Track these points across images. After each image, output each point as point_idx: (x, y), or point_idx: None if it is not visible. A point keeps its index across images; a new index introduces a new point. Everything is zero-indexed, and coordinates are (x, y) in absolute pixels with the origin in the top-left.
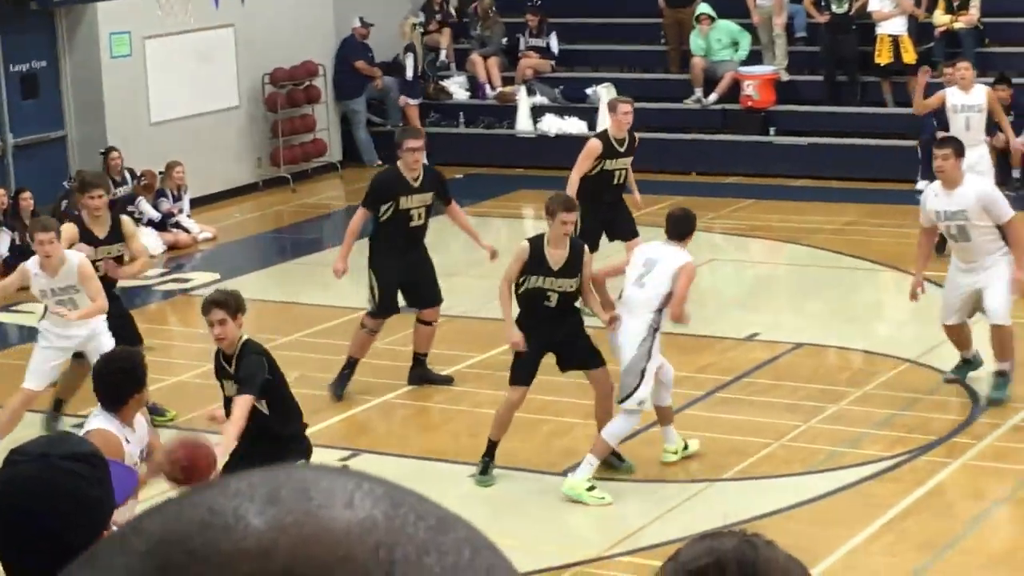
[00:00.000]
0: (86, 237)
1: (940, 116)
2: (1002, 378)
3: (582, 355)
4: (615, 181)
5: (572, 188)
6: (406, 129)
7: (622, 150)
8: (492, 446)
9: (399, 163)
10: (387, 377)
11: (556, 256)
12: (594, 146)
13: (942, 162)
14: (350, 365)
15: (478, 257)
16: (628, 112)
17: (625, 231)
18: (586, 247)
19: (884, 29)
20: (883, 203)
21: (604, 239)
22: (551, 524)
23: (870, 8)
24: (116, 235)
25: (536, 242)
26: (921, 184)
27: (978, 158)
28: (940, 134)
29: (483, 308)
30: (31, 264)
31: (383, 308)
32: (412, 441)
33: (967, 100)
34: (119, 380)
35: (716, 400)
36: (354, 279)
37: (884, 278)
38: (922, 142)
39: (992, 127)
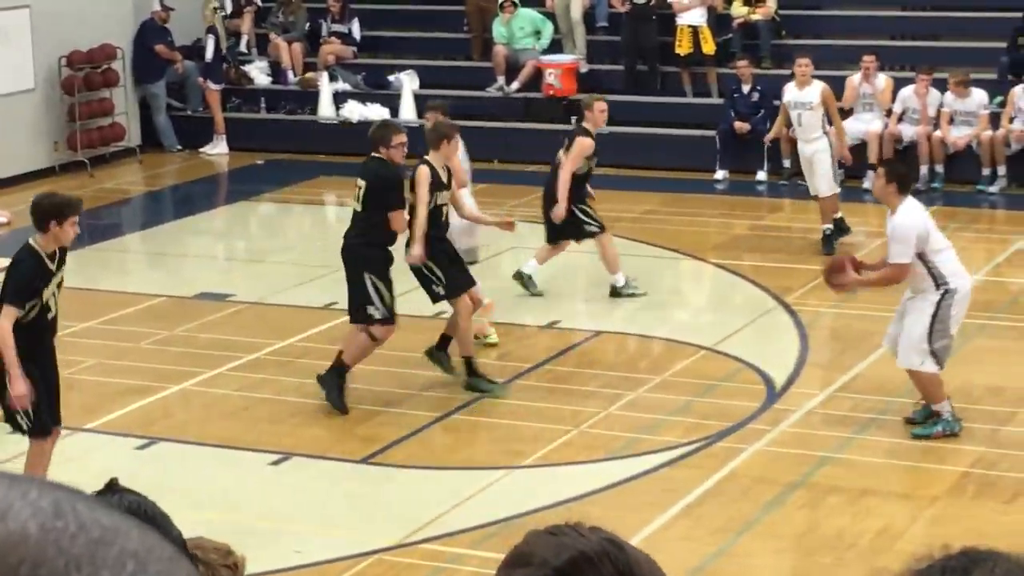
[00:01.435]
0: None
1: (739, 105)
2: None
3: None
4: (587, 177)
5: (564, 187)
6: (387, 123)
7: (596, 148)
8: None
9: (391, 155)
10: (187, 364)
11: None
12: (588, 144)
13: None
14: (342, 374)
15: (279, 244)
16: (604, 110)
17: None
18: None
19: (684, 20)
20: (682, 192)
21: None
22: (351, 512)
23: None
24: None
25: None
26: (719, 174)
27: (812, 153)
28: (738, 124)
29: (281, 294)
30: None
31: (392, 313)
32: (211, 428)
33: (800, 97)
34: None
35: (516, 387)
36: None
37: (683, 266)
38: (720, 132)
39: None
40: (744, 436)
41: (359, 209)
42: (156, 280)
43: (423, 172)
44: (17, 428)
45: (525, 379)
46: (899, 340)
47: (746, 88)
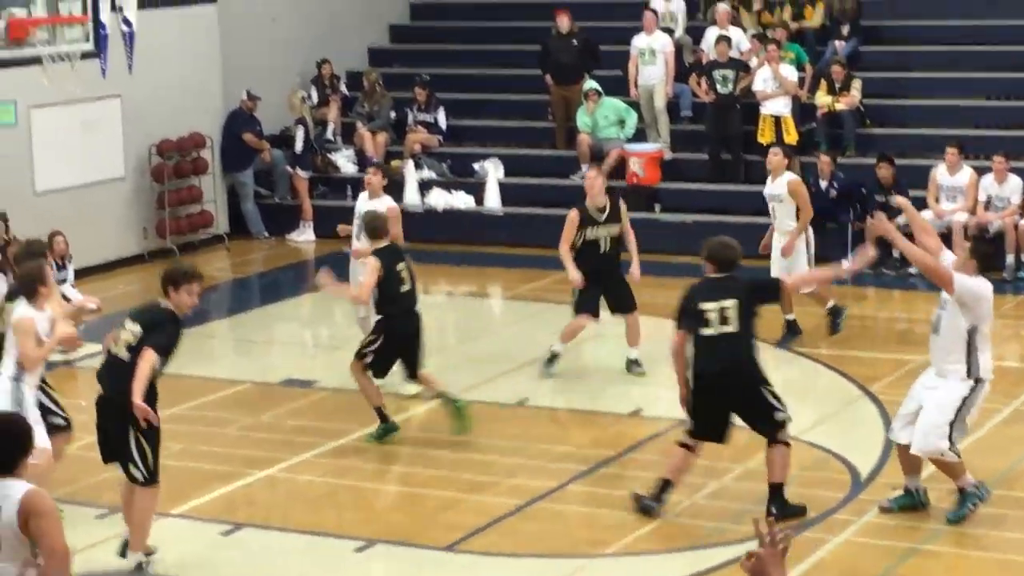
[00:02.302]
0: None
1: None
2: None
3: None
4: (601, 249)
5: (566, 260)
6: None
7: (601, 218)
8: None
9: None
10: (272, 450)
11: None
12: (572, 216)
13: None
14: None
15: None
16: (591, 178)
17: (622, 304)
18: None
19: (767, 109)
20: None
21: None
22: None
23: (754, 88)
24: None
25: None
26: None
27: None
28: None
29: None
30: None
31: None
32: (296, 515)
33: (771, 189)
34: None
35: (599, 476)
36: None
37: (766, 355)
38: None
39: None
40: (829, 526)
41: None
42: (242, 366)
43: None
44: (132, 478)
45: (609, 467)
46: (919, 424)
47: (824, 184)
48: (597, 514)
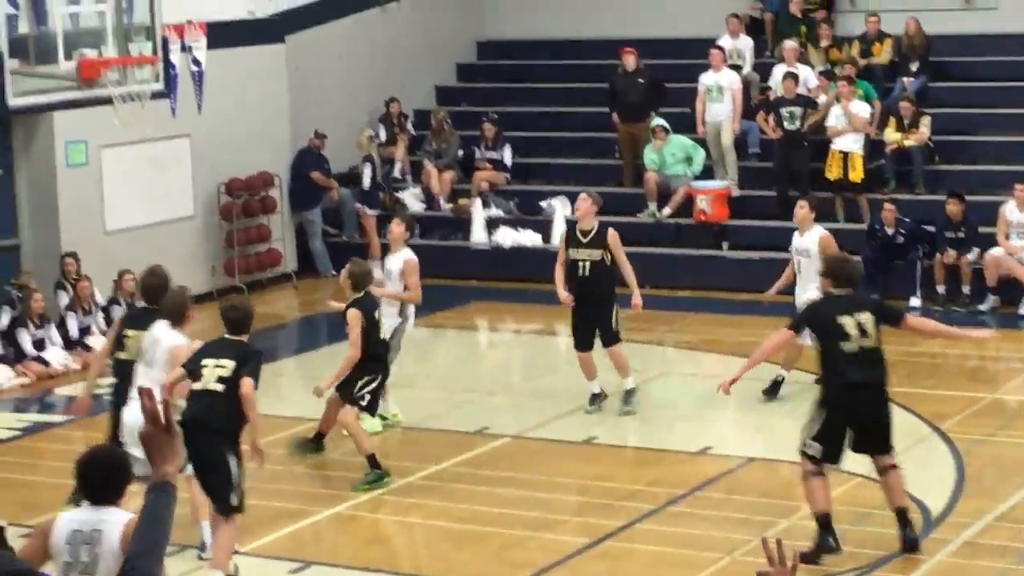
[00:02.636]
0: None
1: (880, 247)
2: None
3: None
4: (580, 272)
5: (556, 279)
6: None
7: (584, 240)
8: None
9: None
10: (339, 488)
11: None
12: (562, 233)
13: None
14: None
15: (430, 369)
16: (581, 200)
17: (602, 338)
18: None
19: (838, 145)
20: None
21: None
22: None
23: (827, 123)
24: None
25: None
26: None
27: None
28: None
29: (432, 420)
30: None
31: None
32: (363, 553)
33: (799, 243)
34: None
35: (668, 514)
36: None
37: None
38: (865, 257)
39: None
40: (901, 566)
41: None
42: (310, 404)
43: None
44: (224, 508)
45: (677, 505)
46: None
47: (890, 231)
48: (665, 553)
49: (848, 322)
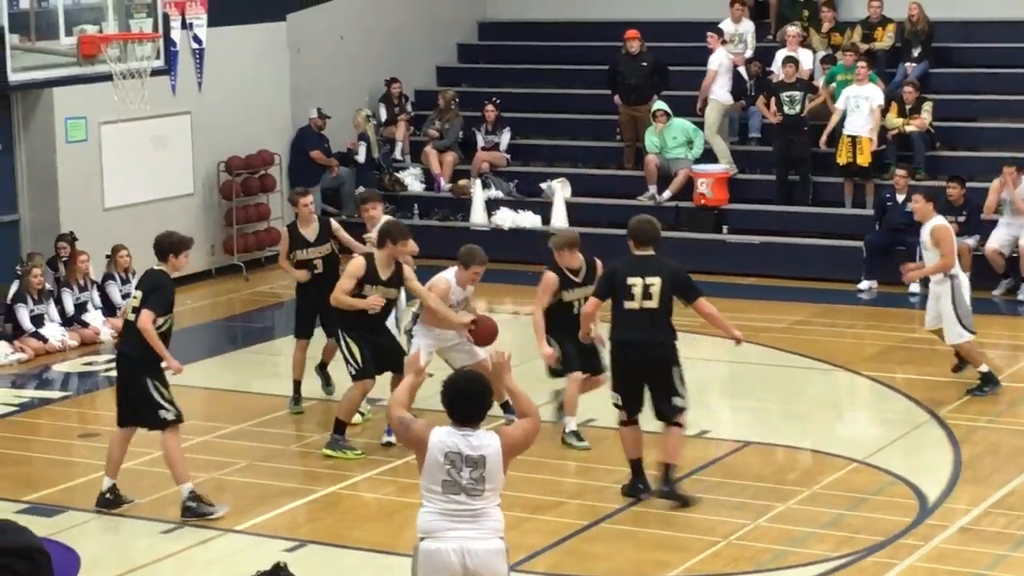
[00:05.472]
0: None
1: (892, 214)
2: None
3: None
4: (575, 311)
5: (538, 331)
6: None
7: (578, 279)
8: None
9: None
10: (336, 468)
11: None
12: (550, 279)
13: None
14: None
15: None
16: (563, 247)
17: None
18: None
19: (848, 129)
20: (832, 303)
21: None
22: None
23: (836, 106)
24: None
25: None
26: (864, 284)
27: (937, 297)
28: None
29: (431, 400)
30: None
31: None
32: (359, 533)
33: (922, 234)
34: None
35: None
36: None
37: (832, 377)
38: (867, 243)
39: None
40: (896, 551)
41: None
42: (307, 384)
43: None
44: (159, 423)
45: None
46: None
47: (900, 198)
48: (662, 536)
49: (636, 283)
